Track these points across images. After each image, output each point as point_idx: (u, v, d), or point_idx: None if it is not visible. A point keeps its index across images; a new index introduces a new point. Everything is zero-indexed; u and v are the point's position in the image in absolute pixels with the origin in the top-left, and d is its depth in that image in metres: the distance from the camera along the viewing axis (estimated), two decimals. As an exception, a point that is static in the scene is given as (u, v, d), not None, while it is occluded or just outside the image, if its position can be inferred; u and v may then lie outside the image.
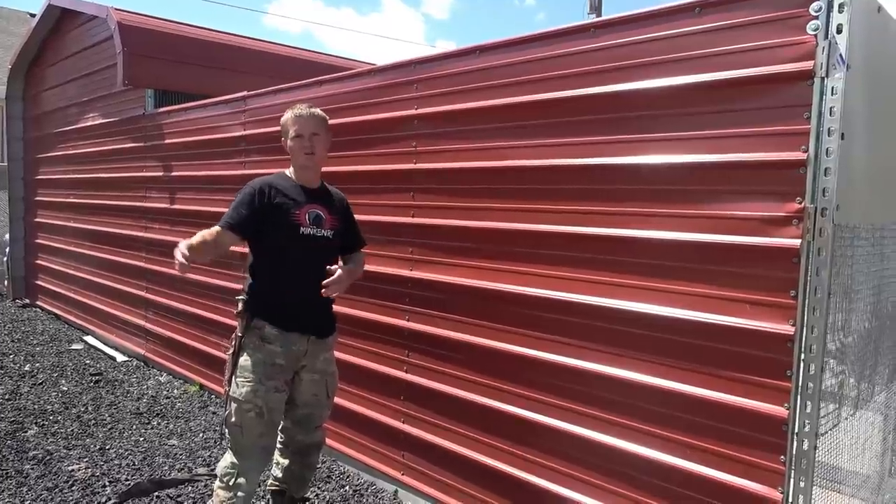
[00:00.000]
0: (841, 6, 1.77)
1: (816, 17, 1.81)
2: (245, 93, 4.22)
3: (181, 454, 3.55)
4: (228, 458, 2.50)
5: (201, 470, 3.37)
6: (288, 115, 2.60)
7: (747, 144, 1.96)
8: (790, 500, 1.91)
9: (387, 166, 3.17)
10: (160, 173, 5.16)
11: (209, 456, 3.54)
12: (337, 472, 3.38)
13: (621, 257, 2.27)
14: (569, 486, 2.42)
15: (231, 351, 2.50)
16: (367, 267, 3.24)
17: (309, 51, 7.45)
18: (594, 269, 2.34)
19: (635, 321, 2.22)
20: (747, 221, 1.96)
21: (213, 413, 4.23)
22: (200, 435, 3.85)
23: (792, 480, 1.90)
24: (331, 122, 3.48)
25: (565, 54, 2.43)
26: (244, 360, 2.46)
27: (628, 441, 2.25)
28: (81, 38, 6.48)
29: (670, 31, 2.12)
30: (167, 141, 5.07)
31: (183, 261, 2.16)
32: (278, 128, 3.86)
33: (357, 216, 2.87)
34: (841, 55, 1.78)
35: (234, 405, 2.45)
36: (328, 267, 2.47)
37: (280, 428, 2.64)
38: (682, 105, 2.11)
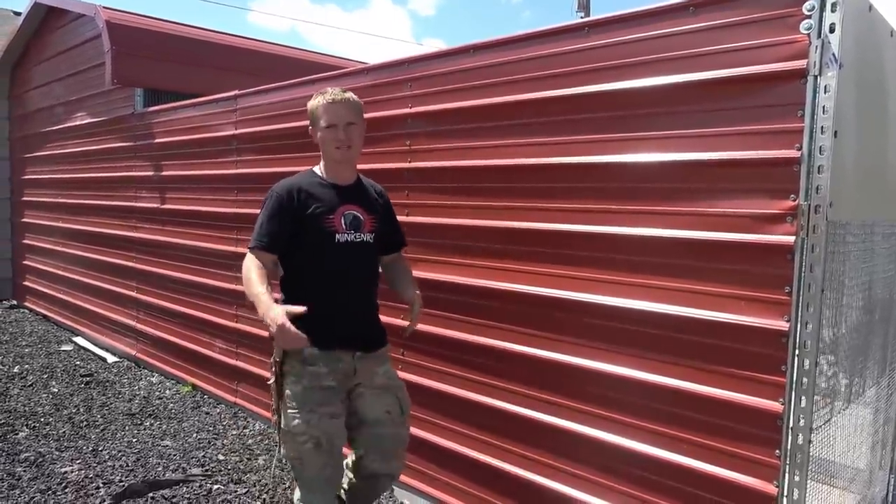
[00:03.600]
0: (833, 5, 1.79)
1: (809, 17, 1.83)
2: (236, 92, 4.20)
3: (175, 455, 3.53)
4: (297, 493, 2.32)
5: (195, 470, 3.35)
6: (317, 101, 2.26)
7: (742, 142, 1.98)
8: (785, 493, 1.93)
9: (381, 165, 3.17)
10: (150, 173, 5.12)
11: (203, 456, 3.52)
12: (332, 472, 3.38)
13: (618, 255, 2.28)
14: (566, 483, 2.44)
15: (272, 379, 2.25)
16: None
17: (298, 49, 7.42)
18: (592, 267, 2.35)
19: (631, 318, 2.24)
20: (743, 218, 1.98)
21: (206, 413, 4.21)
22: (194, 435, 3.83)
23: (787, 474, 1.93)
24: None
25: (560, 53, 2.44)
26: (290, 388, 2.20)
27: (625, 437, 2.26)
28: (68, 36, 6.41)
29: (666, 29, 2.14)
30: (157, 140, 5.03)
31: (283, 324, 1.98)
32: (270, 127, 3.93)
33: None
34: (834, 54, 1.80)
35: (288, 439, 2.21)
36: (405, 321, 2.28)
37: (354, 460, 2.40)
38: (677, 103, 2.12)
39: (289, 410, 2.19)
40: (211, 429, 3.94)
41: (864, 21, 2.00)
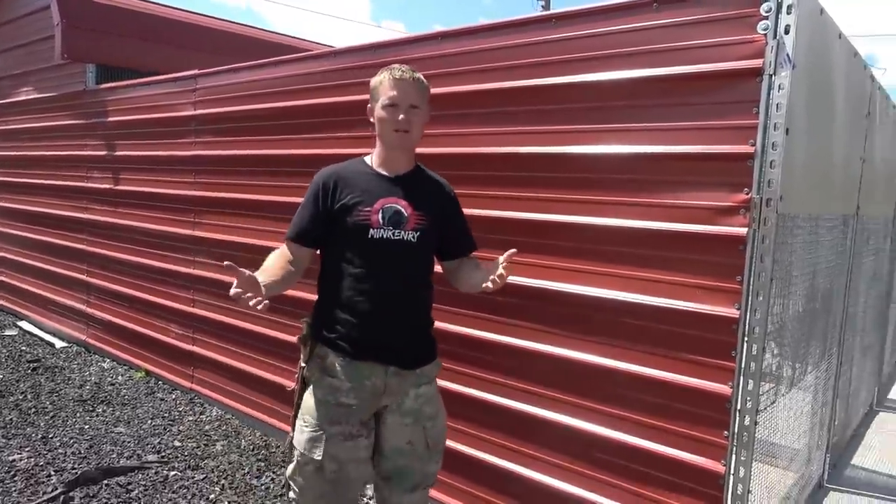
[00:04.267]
0: (789, 7, 1.87)
1: (766, 18, 1.90)
2: (196, 71, 4.10)
3: (129, 441, 3.47)
4: None
5: (151, 457, 3.30)
6: (383, 76, 1.99)
7: (700, 137, 2.05)
8: (732, 472, 2.04)
9: (346, 150, 3.15)
10: (103, 152, 4.95)
11: (159, 443, 3.47)
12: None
13: (578, 244, 2.34)
14: (526, 465, 2.50)
15: (294, 385, 2.05)
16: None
17: (258, 28, 7.27)
18: (552, 255, 2.41)
19: (590, 305, 2.30)
20: (698, 210, 2.06)
21: (161, 399, 4.13)
22: (149, 422, 3.76)
23: (734, 454, 2.03)
24: (287, 104, 3.46)
25: (526, 44, 2.47)
26: (307, 397, 1.98)
27: (583, 420, 2.33)
28: (14, 5, 6.12)
29: (630, 24, 2.19)
30: (111, 119, 4.86)
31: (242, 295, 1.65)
32: (232, 108, 3.85)
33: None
34: (788, 54, 1.88)
35: (295, 455, 1.97)
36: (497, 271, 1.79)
37: (374, 490, 2.11)
38: (638, 97, 2.19)
39: (301, 423, 1.98)
40: (166, 415, 3.87)
41: (816, 24, 2.09)
